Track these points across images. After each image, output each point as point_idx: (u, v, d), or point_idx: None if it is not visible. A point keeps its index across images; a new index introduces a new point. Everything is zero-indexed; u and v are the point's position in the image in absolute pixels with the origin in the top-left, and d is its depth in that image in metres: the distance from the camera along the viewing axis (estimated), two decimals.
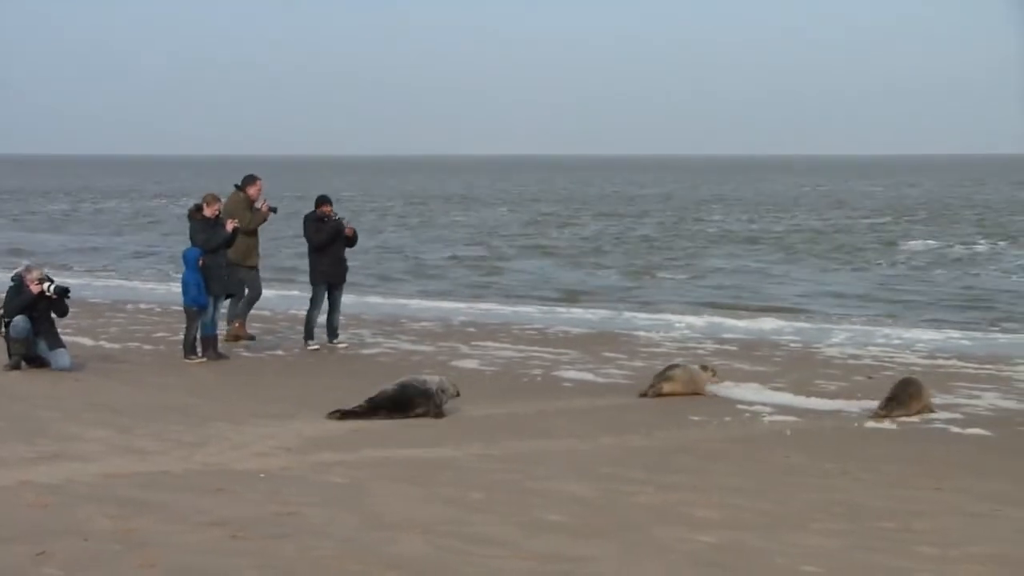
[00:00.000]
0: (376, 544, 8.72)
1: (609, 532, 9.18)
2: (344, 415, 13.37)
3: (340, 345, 19.21)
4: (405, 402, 13.59)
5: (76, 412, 13.49)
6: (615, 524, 9.42)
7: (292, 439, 12.26)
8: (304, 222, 18.98)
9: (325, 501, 9.87)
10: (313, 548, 8.57)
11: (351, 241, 19.11)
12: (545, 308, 26.74)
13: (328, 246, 18.78)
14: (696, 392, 15.35)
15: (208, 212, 17.59)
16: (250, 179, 19.29)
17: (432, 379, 14.09)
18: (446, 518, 9.46)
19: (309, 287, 19.32)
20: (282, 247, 38.24)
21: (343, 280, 19.21)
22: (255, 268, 19.24)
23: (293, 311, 22.88)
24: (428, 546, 8.69)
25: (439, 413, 13.65)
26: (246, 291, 19.06)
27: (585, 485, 10.61)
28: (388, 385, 13.86)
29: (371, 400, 13.57)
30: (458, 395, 14.12)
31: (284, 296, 26.28)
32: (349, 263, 19.57)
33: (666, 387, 15.27)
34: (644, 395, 15.25)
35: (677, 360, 16.97)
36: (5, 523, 8.98)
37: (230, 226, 17.58)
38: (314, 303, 19.04)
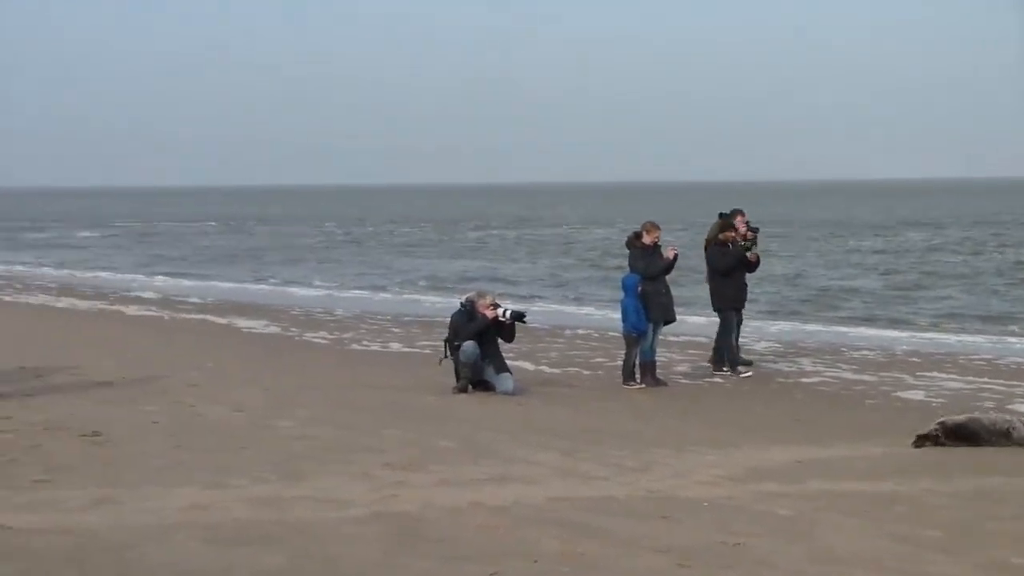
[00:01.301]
0: None
1: None
2: (923, 442, 13.26)
3: (744, 373, 18.87)
4: (976, 439, 13.31)
5: (520, 435, 13.75)
6: None
7: (735, 468, 12.05)
8: (707, 248, 19.01)
9: (771, 532, 9.60)
10: None
11: (752, 267, 18.98)
12: (994, 337, 25.46)
13: (732, 272, 18.70)
14: None
15: (647, 240, 17.70)
16: (736, 211, 19.43)
17: (1002, 417, 13.76)
18: (899, 555, 9.00)
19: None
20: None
21: (744, 306, 19.22)
22: None
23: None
24: None
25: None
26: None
27: None
28: (957, 416, 13.71)
29: (942, 423, 13.40)
30: None
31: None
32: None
33: None
34: None
35: None
36: (459, 542, 9.20)
37: (670, 253, 17.62)
38: (727, 329, 19.04)
